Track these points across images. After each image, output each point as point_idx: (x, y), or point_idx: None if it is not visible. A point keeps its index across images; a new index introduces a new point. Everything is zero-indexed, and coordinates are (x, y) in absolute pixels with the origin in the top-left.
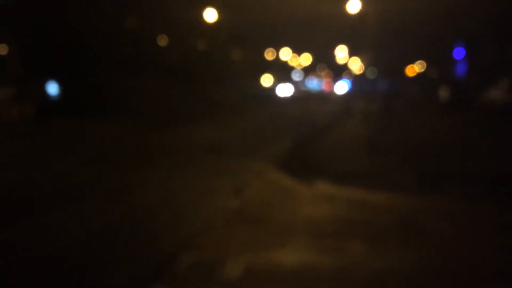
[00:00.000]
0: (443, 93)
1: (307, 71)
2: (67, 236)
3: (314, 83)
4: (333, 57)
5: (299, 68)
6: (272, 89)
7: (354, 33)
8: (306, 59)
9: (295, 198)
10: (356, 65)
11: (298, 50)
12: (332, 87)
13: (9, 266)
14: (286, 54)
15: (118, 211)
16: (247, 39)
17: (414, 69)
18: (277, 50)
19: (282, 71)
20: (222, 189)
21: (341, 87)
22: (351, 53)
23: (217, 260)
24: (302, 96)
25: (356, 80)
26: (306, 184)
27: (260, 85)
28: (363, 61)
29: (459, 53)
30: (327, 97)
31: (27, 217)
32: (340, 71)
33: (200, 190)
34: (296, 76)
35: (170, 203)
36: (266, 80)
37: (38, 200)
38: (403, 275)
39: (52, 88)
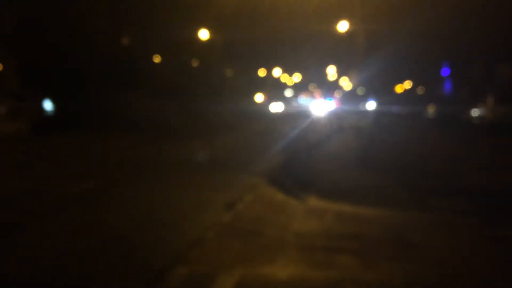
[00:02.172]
0: (431, 110)
1: (299, 88)
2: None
3: (305, 100)
4: (323, 75)
5: (290, 85)
6: (264, 106)
7: (344, 53)
8: (297, 77)
9: (286, 212)
10: (346, 83)
11: (289, 70)
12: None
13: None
14: (277, 73)
15: (113, 223)
16: (239, 58)
17: (402, 87)
18: (269, 69)
19: (274, 89)
20: (215, 202)
21: (325, 107)
22: (341, 73)
23: (209, 274)
24: (293, 112)
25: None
26: (298, 199)
27: (253, 102)
28: (352, 80)
29: (446, 71)
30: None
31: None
32: (330, 89)
33: (193, 204)
34: (288, 93)
35: (163, 216)
36: (259, 97)
37: (41, 211)
38: None
39: (48, 105)
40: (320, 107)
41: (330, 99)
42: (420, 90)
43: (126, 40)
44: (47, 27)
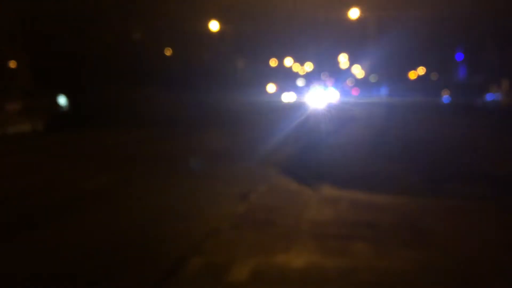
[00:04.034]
0: (445, 95)
1: (311, 77)
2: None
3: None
4: (335, 64)
5: (302, 74)
6: (276, 96)
7: (356, 41)
8: (309, 66)
9: (300, 202)
10: (358, 71)
11: (300, 59)
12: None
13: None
14: (289, 62)
15: (130, 216)
16: (251, 48)
17: (416, 73)
18: (281, 59)
19: (286, 78)
20: (229, 193)
21: (330, 96)
22: (353, 60)
23: (224, 264)
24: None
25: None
26: (311, 188)
27: (265, 92)
28: (364, 67)
29: (460, 56)
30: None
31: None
32: (342, 77)
33: (208, 195)
34: (300, 82)
35: (179, 207)
36: (271, 87)
37: (61, 206)
38: (409, 276)
39: (62, 101)
40: (315, 99)
41: (332, 88)
42: (434, 76)
43: (137, 34)
44: (59, 24)
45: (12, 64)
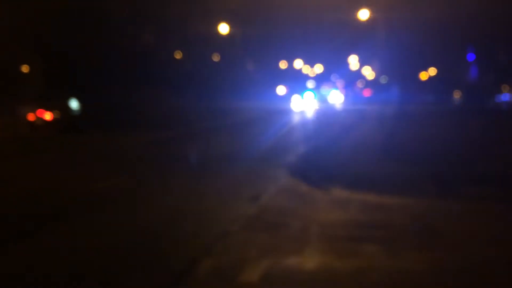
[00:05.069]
0: (456, 96)
1: (321, 79)
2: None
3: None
4: (345, 65)
5: (312, 76)
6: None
7: (366, 42)
8: (318, 68)
9: (311, 203)
10: (368, 72)
11: (310, 61)
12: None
13: None
14: (299, 64)
15: (144, 216)
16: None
17: (427, 74)
18: (290, 61)
19: (296, 80)
20: (240, 195)
21: (335, 98)
22: (363, 62)
23: (236, 266)
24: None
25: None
26: (322, 190)
27: (276, 95)
28: (374, 69)
29: (471, 56)
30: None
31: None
32: (352, 79)
33: (219, 196)
34: (310, 84)
35: (191, 208)
36: (280, 89)
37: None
38: (421, 277)
39: (74, 104)
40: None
41: (335, 89)
42: (445, 77)
43: (148, 38)
44: (70, 28)
45: (25, 68)
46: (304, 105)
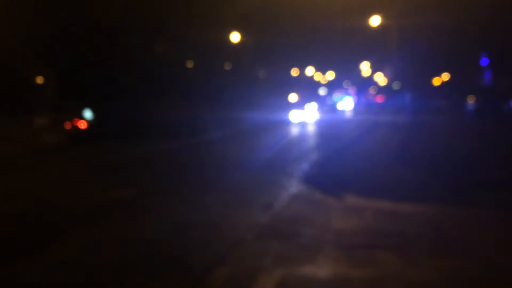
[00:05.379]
0: (471, 101)
1: (332, 86)
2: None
3: (340, 98)
4: (356, 72)
5: (324, 83)
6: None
7: (377, 48)
8: (330, 75)
9: (324, 211)
10: (380, 79)
11: (322, 68)
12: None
13: None
14: (310, 72)
15: (157, 224)
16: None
17: (440, 79)
18: (302, 68)
19: (307, 88)
20: (253, 203)
21: (345, 104)
22: (375, 68)
23: (250, 274)
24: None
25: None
26: (336, 198)
27: (289, 102)
28: (386, 75)
29: (485, 61)
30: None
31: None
32: (364, 86)
33: (231, 205)
34: (322, 91)
35: (204, 216)
36: (292, 97)
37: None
38: (437, 286)
39: (87, 114)
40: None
41: (347, 95)
42: (458, 82)
43: (160, 47)
44: (83, 39)
45: (40, 80)
46: (304, 116)
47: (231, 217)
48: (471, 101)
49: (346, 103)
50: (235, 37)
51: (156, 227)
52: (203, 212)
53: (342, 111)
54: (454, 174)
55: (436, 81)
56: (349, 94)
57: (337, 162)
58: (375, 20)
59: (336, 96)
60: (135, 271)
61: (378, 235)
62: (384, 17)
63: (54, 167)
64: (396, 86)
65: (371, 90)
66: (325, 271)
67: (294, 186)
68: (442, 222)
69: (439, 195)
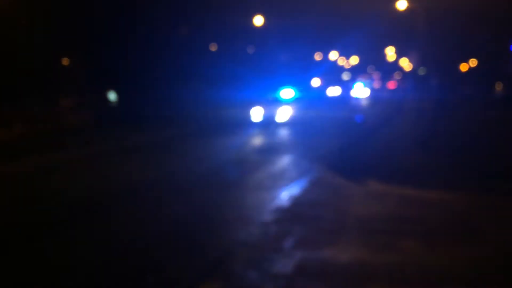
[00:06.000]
0: (498, 88)
1: (356, 71)
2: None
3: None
4: (381, 57)
5: (347, 68)
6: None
7: (403, 33)
8: (354, 60)
9: (346, 196)
10: (406, 64)
11: (346, 53)
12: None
13: None
14: (334, 56)
15: (182, 207)
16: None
17: (467, 65)
18: (325, 53)
19: (331, 72)
20: (274, 187)
21: (360, 91)
22: (400, 53)
23: (270, 257)
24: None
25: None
26: (358, 183)
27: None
28: (411, 60)
29: None
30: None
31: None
32: (389, 71)
33: (253, 188)
34: (345, 76)
35: (225, 200)
36: (315, 82)
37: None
38: (459, 272)
39: (112, 96)
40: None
41: (361, 82)
42: (486, 68)
43: (184, 30)
44: (108, 22)
45: (66, 61)
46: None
47: (252, 200)
48: (499, 88)
49: (360, 90)
50: (258, 20)
51: (179, 209)
52: (226, 194)
53: (357, 99)
54: (478, 161)
55: (463, 67)
56: (372, 79)
57: (360, 147)
58: (401, 4)
59: (360, 81)
60: (160, 248)
61: (400, 221)
62: (410, 1)
63: (80, 148)
64: (421, 71)
65: (396, 75)
66: (345, 256)
67: (315, 170)
68: (467, 210)
69: (462, 183)
